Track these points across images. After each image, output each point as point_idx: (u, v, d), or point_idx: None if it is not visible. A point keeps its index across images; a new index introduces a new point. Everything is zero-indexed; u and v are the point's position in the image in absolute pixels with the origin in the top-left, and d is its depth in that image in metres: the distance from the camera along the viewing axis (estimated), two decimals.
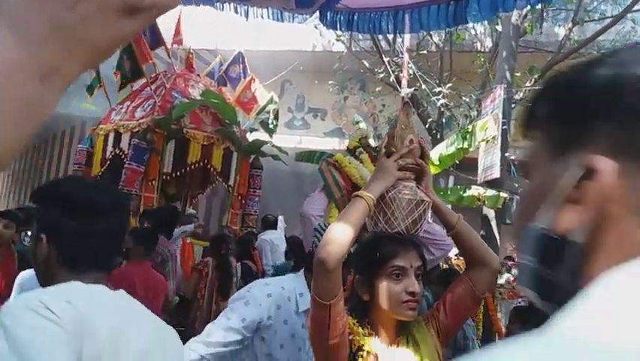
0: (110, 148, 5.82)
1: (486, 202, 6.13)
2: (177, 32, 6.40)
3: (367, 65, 9.12)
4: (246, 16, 3.66)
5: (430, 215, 1.66)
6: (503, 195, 6.09)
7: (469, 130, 5.67)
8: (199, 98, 5.87)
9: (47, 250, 1.17)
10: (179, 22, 6.35)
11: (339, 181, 2.38)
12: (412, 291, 1.45)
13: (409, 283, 1.46)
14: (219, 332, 1.90)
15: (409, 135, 1.60)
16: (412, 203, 1.55)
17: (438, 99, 7.73)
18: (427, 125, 8.11)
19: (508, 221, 7.43)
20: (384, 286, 1.47)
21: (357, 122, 7.47)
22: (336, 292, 1.40)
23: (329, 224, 2.01)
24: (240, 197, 6.16)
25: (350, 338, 1.45)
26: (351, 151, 2.63)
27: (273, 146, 6.45)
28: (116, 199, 1.27)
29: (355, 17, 3.57)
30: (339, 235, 1.39)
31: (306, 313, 1.97)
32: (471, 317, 3.01)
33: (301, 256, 5.07)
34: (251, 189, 6.31)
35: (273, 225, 6.36)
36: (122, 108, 6.14)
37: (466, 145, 5.59)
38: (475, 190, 6.10)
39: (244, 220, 6.23)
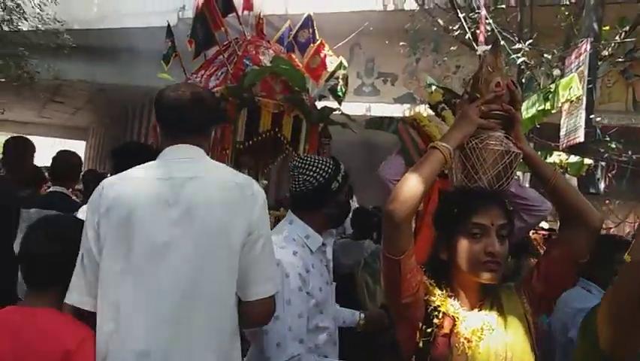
0: None
1: (569, 169, 5.77)
2: None
3: (441, 22, 8.75)
4: None
5: (522, 179, 1.53)
6: (587, 161, 5.71)
7: (552, 89, 5.30)
8: (269, 65, 5.88)
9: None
10: None
11: (417, 142, 2.24)
12: (491, 251, 1.35)
13: (488, 243, 1.36)
14: (294, 319, 1.84)
15: (496, 78, 1.44)
16: (495, 154, 1.41)
17: (518, 57, 7.29)
18: None
19: (592, 190, 6.98)
20: (462, 245, 1.38)
21: (431, 85, 7.22)
22: (405, 248, 1.33)
23: None
24: None
25: (425, 298, 1.39)
26: (433, 107, 2.46)
27: (342, 114, 6.38)
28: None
29: None
30: (409, 188, 1.31)
31: (320, 250, 2.02)
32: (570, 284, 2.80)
33: (365, 225, 5.04)
34: None
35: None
36: (196, 77, 6.26)
37: (548, 106, 5.24)
38: (556, 156, 5.75)
39: None
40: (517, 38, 7.82)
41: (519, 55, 7.31)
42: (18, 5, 10.62)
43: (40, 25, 11.34)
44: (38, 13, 11.00)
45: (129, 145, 2.72)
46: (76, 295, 1.52)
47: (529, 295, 1.45)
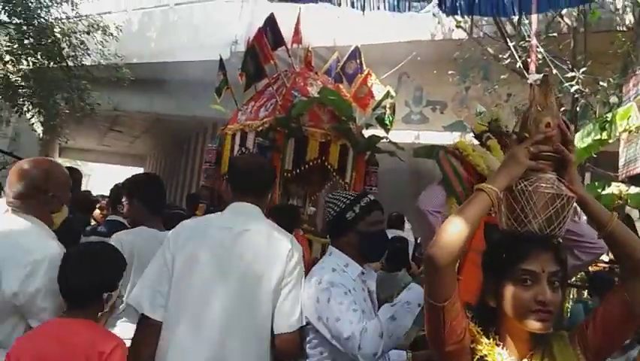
0: (236, 147, 6.14)
1: (629, 201, 5.48)
2: (297, 31, 6.56)
3: (491, 51, 8.64)
4: (363, 9, 3.63)
5: (578, 214, 1.45)
6: None
7: (608, 119, 5.10)
8: (317, 95, 5.98)
9: None
10: (298, 21, 6.50)
11: (459, 172, 2.17)
12: (541, 300, 1.28)
13: (539, 291, 1.29)
14: (351, 314, 1.89)
15: (546, 118, 1.37)
16: (546, 197, 1.34)
17: (571, 85, 7.08)
18: None
19: None
20: (510, 292, 1.31)
21: (481, 113, 7.09)
22: (448, 294, 1.28)
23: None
24: None
25: (472, 346, 1.32)
26: (477, 136, 2.39)
27: (389, 142, 6.37)
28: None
29: (477, 0, 3.38)
30: (452, 232, 1.26)
31: (359, 277, 2.10)
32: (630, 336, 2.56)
33: (399, 257, 4.95)
34: (367, 186, 6.29)
35: (396, 223, 6.20)
36: (247, 108, 6.44)
37: (604, 136, 5.04)
38: (615, 187, 5.49)
39: None
40: (570, 66, 7.61)
41: (572, 83, 7.10)
42: (82, 42, 11.31)
43: (102, 60, 12.01)
44: (100, 49, 11.67)
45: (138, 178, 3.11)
46: (136, 298, 1.94)
47: (585, 346, 1.36)
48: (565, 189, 1.37)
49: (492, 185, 1.34)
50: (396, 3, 3.57)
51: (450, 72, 9.72)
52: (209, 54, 10.64)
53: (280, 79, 6.08)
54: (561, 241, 1.44)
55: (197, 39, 13.31)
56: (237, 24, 11.87)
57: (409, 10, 3.68)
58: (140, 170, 32.79)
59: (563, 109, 7.53)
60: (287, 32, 6.22)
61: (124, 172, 32.16)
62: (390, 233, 5.92)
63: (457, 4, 3.47)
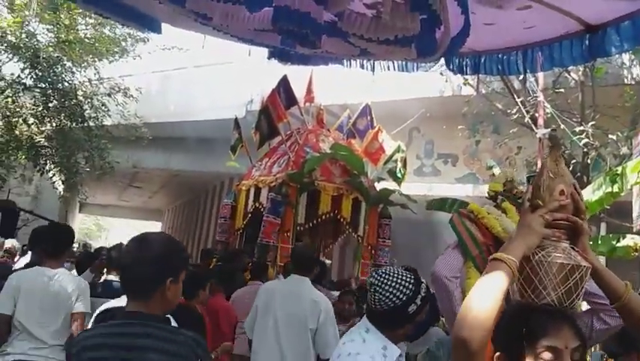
0: (250, 202, 6.25)
1: None
2: (309, 91, 6.80)
3: (499, 106, 8.81)
4: (372, 70, 3.77)
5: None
6: None
7: (619, 172, 5.13)
8: (329, 151, 6.12)
9: None
10: (310, 81, 6.74)
11: (475, 235, 2.05)
12: None
13: None
14: None
15: (559, 185, 1.33)
16: (565, 268, 1.28)
17: (580, 139, 7.15)
18: (570, 168, 7.50)
19: None
20: None
21: (491, 167, 7.16)
22: None
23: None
24: (369, 247, 6.17)
25: None
26: (492, 197, 2.28)
27: (401, 194, 6.43)
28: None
29: (482, 60, 3.46)
30: (481, 310, 1.17)
31: (398, 360, 1.91)
32: None
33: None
34: (380, 238, 6.31)
35: None
36: (261, 165, 6.58)
37: (616, 189, 5.04)
38: (630, 239, 5.42)
39: None
40: (579, 120, 7.70)
41: (581, 136, 7.16)
42: (104, 104, 11.74)
43: (122, 120, 12.42)
44: (121, 110, 12.09)
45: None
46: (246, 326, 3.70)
47: None
48: (581, 259, 1.33)
49: (509, 255, 1.27)
50: (404, 64, 3.70)
51: (460, 127, 9.88)
52: (225, 113, 10.98)
53: (293, 136, 6.25)
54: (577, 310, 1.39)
55: (213, 99, 13.76)
56: (253, 84, 12.29)
57: (417, 70, 3.81)
58: (158, 224, 32.99)
59: (574, 161, 7.57)
60: (300, 92, 6.46)
61: (142, 226, 32.40)
62: None
63: (464, 64, 3.58)
